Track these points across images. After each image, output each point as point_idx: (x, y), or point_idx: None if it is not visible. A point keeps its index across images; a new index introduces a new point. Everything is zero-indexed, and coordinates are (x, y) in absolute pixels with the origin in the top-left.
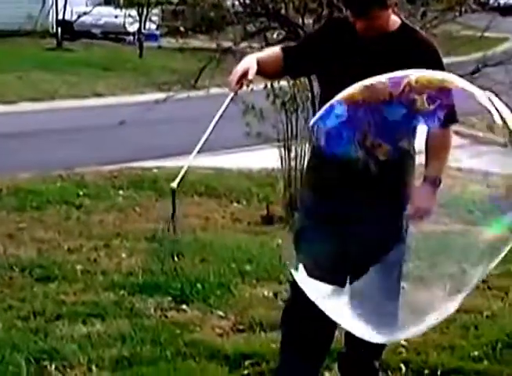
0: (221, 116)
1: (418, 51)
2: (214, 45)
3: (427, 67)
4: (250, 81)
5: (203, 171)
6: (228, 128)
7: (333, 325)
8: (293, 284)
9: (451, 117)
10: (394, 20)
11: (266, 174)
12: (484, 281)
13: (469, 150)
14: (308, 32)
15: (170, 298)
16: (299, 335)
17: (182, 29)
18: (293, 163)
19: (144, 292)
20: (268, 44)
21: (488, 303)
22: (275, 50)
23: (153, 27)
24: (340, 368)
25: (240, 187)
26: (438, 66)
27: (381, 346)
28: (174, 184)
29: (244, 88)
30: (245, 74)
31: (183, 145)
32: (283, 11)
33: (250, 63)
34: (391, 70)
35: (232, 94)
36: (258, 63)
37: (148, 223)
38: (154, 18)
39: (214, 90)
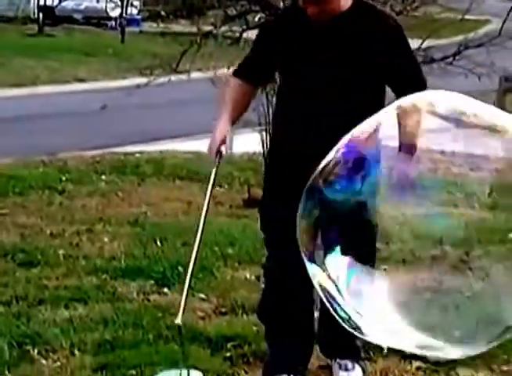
0: (210, 194)
1: (376, 27)
2: (195, 30)
3: (389, 44)
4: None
5: (184, 156)
6: (210, 112)
7: (311, 301)
8: (270, 269)
9: (422, 84)
10: (347, 0)
11: (248, 158)
12: (465, 262)
13: (452, 132)
14: (257, 34)
15: (152, 282)
16: (282, 323)
17: (163, 13)
18: None
19: (126, 276)
20: (249, 27)
21: (468, 283)
22: (233, 85)
23: (135, 11)
24: (323, 350)
25: (222, 171)
26: (401, 41)
27: None
28: (178, 320)
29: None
30: (223, 141)
31: (165, 129)
32: None
33: (223, 130)
34: (352, 52)
35: (215, 169)
36: (230, 117)
37: (130, 208)
38: (136, 3)
39: (195, 74)
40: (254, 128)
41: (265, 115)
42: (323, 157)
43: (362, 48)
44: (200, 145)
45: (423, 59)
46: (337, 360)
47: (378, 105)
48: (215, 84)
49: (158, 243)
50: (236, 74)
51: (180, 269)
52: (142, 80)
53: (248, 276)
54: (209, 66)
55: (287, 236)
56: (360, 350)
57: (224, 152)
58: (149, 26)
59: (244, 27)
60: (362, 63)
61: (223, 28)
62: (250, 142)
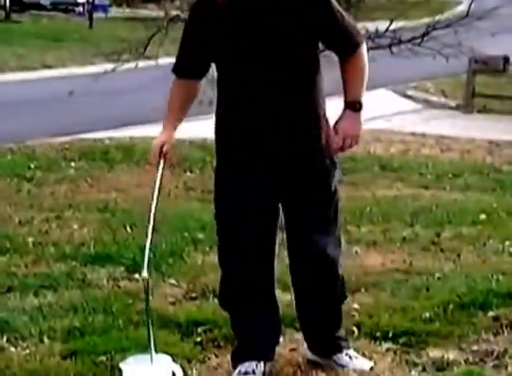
0: (159, 193)
1: None
2: (162, 14)
3: (311, 9)
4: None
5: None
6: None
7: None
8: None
9: (356, 42)
10: None
11: None
12: (436, 243)
13: (423, 114)
14: (183, 29)
15: (122, 268)
16: (245, 309)
17: None
18: None
19: (96, 263)
20: None
21: (439, 265)
22: (177, 86)
23: None
24: (316, 351)
25: (193, 156)
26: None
27: (336, 309)
28: (144, 274)
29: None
30: (163, 145)
31: (134, 114)
32: None
33: (163, 137)
34: (279, 19)
35: (160, 170)
36: (173, 125)
37: (100, 194)
38: None
39: (163, 59)
40: None
41: None
42: (279, 131)
43: (292, 16)
44: None
45: (392, 40)
46: (337, 355)
47: (316, 69)
48: None
49: (128, 229)
50: (177, 73)
51: (150, 254)
52: (110, 66)
53: None
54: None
55: (245, 230)
56: (341, 343)
57: (168, 160)
58: (116, 11)
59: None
60: (291, 28)
61: None
62: None
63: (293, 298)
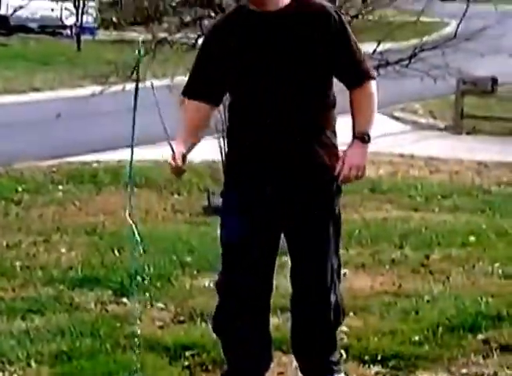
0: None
1: (319, 20)
2: (150, 36)
3: (332, 35)
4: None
5: (141, 164)
6: (167, 119)
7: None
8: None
9: (367, 74)
10: None
11: (207, 165)
12: (425, 265)
13: (411, 136)
14: (196, 56)
15: (110, 292)
16: (238, 336)
17: (116, 21)
18: None
19: (84, 286)
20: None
21: (428, 287)
22: (187, 110)
23: (90, 19)
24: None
25: (181, 179)
26: (343, 32)
27: (332, 333)
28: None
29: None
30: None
31: (122, 137)
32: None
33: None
34: (301, 45)
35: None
36: (184, 139)
37: (88, 217)
38: (91, 11)
39: (150, 81)
40: (212, 135)
41: (222, 122)
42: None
43: (308, 40)
44: (158, 153)
45: (379, 62)
46: None
47: (327, 94)
48: (172, 92)
49: (116, 252)
50: (189, 95)
51: (138, 278)
52: (98, 88)
53: (207, 284)
54: (165, 73)
55: (248, 257)
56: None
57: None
58: (104, 34)
59: (200, 33)
60: (311, 55)
61: (178, 35)
62: (208, 150)
63: (280, 321)
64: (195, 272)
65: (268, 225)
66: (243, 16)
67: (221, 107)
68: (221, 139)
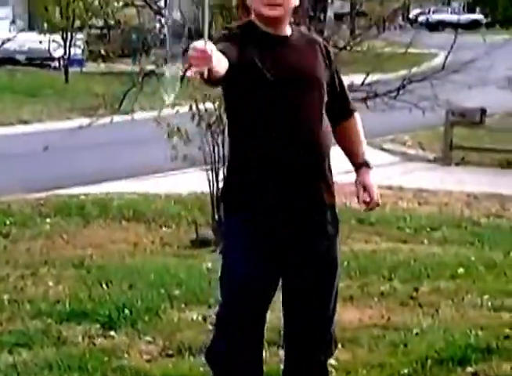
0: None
1: (320, 50)
2: (137, 69)
3: (330, 67)
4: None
5: (130, 196)
6: (154, 152)
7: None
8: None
9: (353, 105)
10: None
11: (195, 197)
12: (414, 298)
13: (400, 168)
14: (218, 39)
15: (98, 325)
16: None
17: (104, 53)
18: (221, 185)
19: (71, 320)
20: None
21: (417, 320)
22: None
23: (78, 51)
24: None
25: (169, 211)
26: (336, 67)
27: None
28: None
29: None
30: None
31: (111, 170)
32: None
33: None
34: (311, 66)
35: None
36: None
37: (75, 250)
38: (79, 43)
39: (138, 114)
40: (200, 167)
41: (210, 154)
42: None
43: (316, 62)
44: (146, 185)
45: (368, 93)
46: None
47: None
48: (159, 124)
49: (104, 285)
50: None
51: (126, 311)
52: (86, 120)
53: (195, 317)
54: (153, 106)
55: (253, 290)
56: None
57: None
58: (91, 66)
59: (187, 65)
60: (319, 76)
61: (165, 67)
62: (197, 182)
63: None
64: (183, 305)
65: (274, 256)
66: (256, 32)
67: (209, 139)
68: (210, 172)
